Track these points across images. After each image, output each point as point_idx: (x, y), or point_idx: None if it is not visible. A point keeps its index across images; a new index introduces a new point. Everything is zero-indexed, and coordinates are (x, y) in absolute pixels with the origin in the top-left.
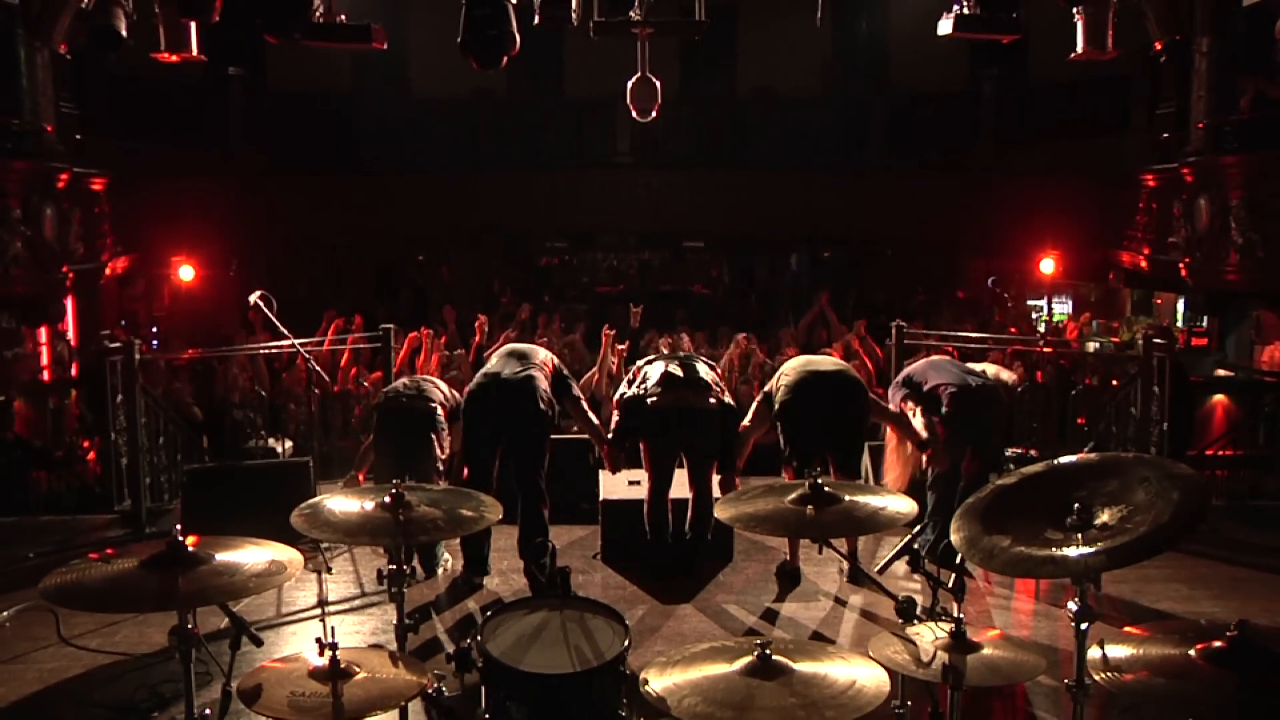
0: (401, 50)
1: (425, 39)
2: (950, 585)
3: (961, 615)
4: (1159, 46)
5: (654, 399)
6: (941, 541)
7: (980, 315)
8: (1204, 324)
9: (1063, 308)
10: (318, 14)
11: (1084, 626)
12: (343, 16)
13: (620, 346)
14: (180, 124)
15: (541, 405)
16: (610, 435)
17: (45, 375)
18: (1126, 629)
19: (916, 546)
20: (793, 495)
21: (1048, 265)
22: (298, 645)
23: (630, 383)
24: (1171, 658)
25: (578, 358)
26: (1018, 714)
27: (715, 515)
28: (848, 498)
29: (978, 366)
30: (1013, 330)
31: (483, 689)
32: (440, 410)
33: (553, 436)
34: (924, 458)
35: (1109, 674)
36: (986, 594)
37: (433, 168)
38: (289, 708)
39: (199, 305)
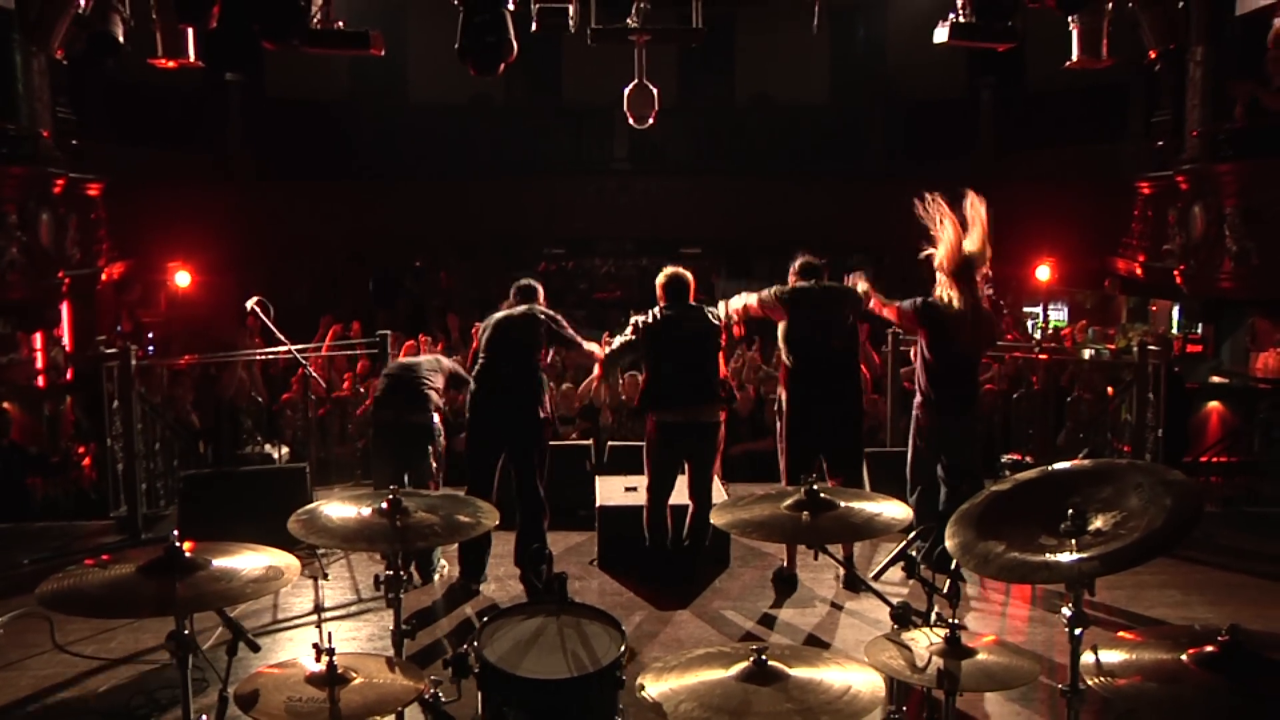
0: (399, 57)
1: (423, 46)
2: (945, 591)
3: (956, 620)
4: (1154, 55)
5: (667, 413)
6: (937, 547)
7: None
8: (1199, 331)
9: (1059, 314)
10: (316, 20)
11: (1078, 632)
12: (340, 23)
13: None
14: (177, 130)
15: (542, 414)
16: (609, 350)
17: (40, 381)
18: (1120, 634)
19: (913, 552)
20: (789, 501)
21: (1044, 272)
22: (295, 651)
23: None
24: (1164, 663)
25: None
26: None
27: (712, 521)
28: (843, 504)
29: None
30: (1010, 337)
31: (479, 695)
32: (436, 416)
33: (551, 444)
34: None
35: (1103, 679)
36: (982, 599)
37: (431, 174)
38: (286, 713)
39: (196, 311)
